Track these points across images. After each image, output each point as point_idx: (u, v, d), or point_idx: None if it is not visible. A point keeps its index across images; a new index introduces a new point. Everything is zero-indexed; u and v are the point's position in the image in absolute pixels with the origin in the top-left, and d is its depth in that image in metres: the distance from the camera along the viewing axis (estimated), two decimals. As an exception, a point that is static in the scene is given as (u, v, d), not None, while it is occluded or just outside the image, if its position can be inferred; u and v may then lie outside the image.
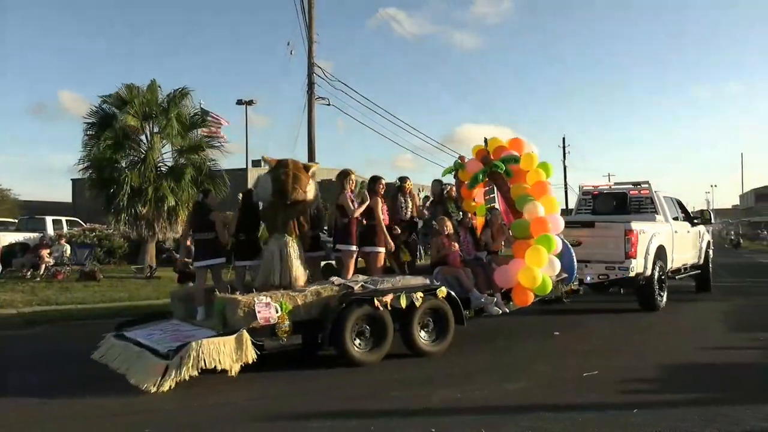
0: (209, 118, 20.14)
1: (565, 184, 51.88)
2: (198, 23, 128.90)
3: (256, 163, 42.73)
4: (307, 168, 8.21)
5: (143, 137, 18.67)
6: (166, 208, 17.81)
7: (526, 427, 5.04)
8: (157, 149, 18.63)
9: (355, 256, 8.47)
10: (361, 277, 8.12)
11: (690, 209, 15.64)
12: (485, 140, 10.28)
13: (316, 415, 5.46)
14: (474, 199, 10.41)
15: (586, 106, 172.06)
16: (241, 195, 8.71)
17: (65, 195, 48.60)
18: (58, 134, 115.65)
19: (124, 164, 18.28)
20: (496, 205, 10.45)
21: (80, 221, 24.42)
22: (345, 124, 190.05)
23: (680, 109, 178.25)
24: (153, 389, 6.13)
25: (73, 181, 39.43)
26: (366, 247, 8.54)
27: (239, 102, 37.34)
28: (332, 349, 7.41)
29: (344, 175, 8.59)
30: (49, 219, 23.11)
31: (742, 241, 47.09)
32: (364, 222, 8.54)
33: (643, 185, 13.25)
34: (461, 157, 10.72)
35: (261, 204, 8.46)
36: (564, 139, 53.95)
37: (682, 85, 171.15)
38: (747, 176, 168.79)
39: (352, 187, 8.67)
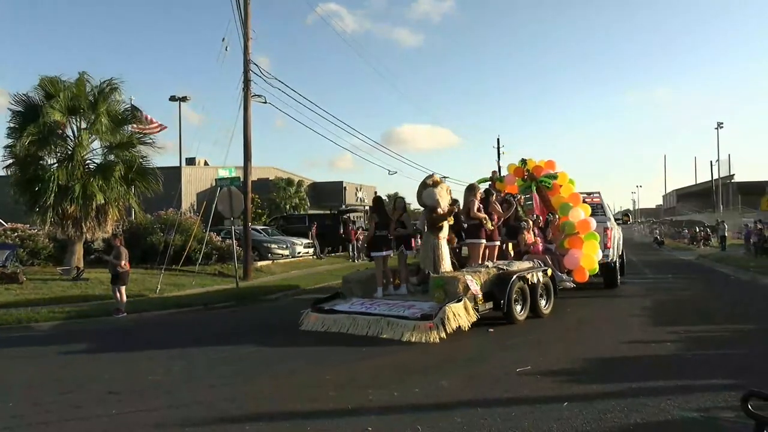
0: (145, 122, 19.60)
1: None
2: (131, 16, 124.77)
3: (190, 161, 41.71)
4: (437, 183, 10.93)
5: (70, 133, 17.91)
6: (94, 206, 17.12)
7: (461, 423, 5.14)
8: (85, 145, 17.89)
9: (482, 247, 11.38)
10: (491, 262, 11.12)
11: (617, 208, 18.04)
12: (523, 161, 14.23)
13: (251, 417, 5.41)
14: None
15: (520, 107, 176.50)
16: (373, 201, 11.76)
17: (-16, 193, 46.04)
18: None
19: (49, 161, 17.50)
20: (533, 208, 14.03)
21: (1, 221, 23.21)
22: (284, 123, 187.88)
23: (611, 112, 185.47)
24: (430, 340, 8.55)
25: (-7, 178, 37.40)
26: (488, 242, 11.52)
27: (172, 98, 36.35)
28: (503, 312, 10.01)
29: (472, 188, 11.72)
30: (-34, 218, 21.85)
31: (665, 239, 49.42)
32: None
33: (594, 194, 16.35)
34: (494, 172, 15.08)
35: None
36: (498, 140, 55.00)
37: (614, 88, 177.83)
38: (669, 177, 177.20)
39: (479, 198, 11.54)
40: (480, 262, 11.14)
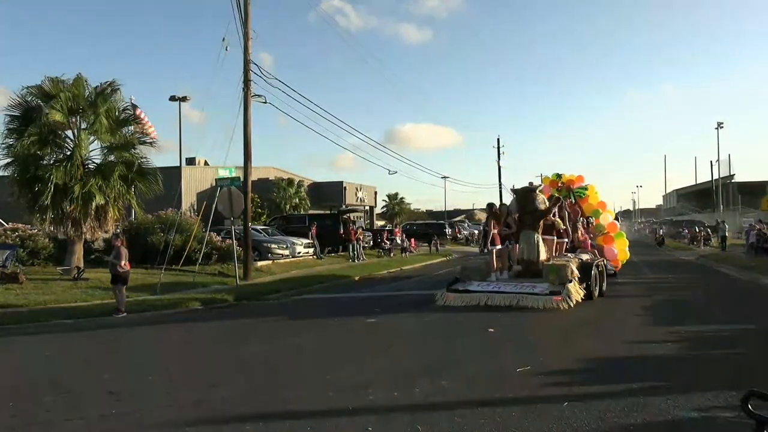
0: (141, 123, 19.56)
1: (500, 185, 53.02)
2: (132, 15, 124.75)
3: (191, 161, 41.68)
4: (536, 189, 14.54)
5: (69, 133, 17.91)
6: (94, 206, 17.12)
7: (462, 423, 5.14)
8: (85, 146, 17.90)
9: (555, 242, 14.72)
10: (570, 254, 14.62)
11: (617, 209, 19.79)
12: (557, 174, 17.63)
13: (251, 417, 5.40)
14: None
15: (521, 105, 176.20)
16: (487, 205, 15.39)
17: (-16, 193, 45.99)
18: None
19: (49, 161, 17.48)
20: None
21: (1, 221, 23.20)
22: (285, 122, 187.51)
23: (611, 112, 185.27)
24: (564, 307, 11.69)
25: (-7, 178, 37.30)
26: (558, 239, 15.07)
27: (172, 98, 36.29)
28: (585, 291, 12.62)
29: (556, 200, 14.99)
30: (-34, 218, 21.82)
31: (665, 239, 49.34)
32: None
33: None
34: (530, 183, 16.57)
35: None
36: (498, 140, 55.03)
37: (614, 89, 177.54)
38: (669, 177, 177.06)
39: (556, 205, 14.58)
40: (555, 254, 14.33)
